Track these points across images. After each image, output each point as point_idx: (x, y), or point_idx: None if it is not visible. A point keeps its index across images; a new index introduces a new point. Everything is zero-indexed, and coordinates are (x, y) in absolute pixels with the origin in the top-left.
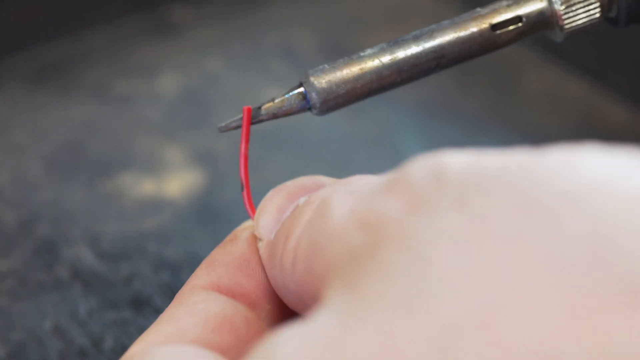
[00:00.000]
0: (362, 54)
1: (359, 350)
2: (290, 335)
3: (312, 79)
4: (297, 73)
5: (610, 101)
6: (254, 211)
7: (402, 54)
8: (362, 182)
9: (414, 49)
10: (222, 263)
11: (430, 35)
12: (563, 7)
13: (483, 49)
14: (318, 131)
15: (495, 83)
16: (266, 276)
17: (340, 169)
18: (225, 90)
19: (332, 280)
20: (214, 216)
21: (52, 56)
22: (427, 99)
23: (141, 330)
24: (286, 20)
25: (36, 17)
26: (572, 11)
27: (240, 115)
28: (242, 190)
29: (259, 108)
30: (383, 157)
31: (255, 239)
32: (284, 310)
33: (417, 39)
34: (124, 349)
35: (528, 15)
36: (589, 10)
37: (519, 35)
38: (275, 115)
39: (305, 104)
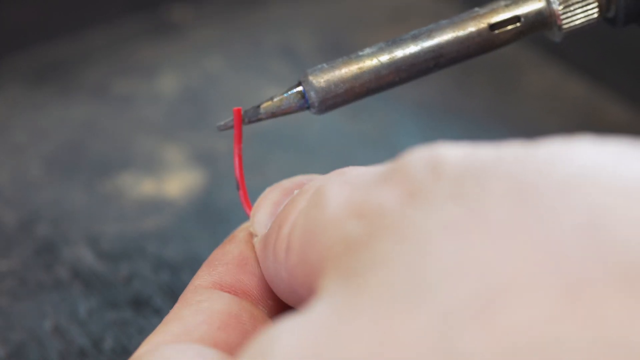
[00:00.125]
0: (360, 53)
1: (356, 342)
2: (287, 328)
3: (310, 78)
4: (296, 73)
5: (610, 101)
6: (250, 210)
7: (400, 53)
8: (357, 172)
9: (412, 49)
10: (222, 262)
11: (429, 34)
12: (561, 7)
13: (481, 49)
14: (318, 131)
15: (495, 83)
16: None
17: None
18: (225, 90)
19: (327, 270)
20: (214, 216)
21: (52, 56)
22: (427, 99)
23: (141, 330)
24: (286, 20)
25: (36, 17)
26: (570, 11)
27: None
28: (238, 189)
29: (258, 107)
30: (383, 157)
31: (252, 237)
32: (286, 307)
33: (415, 38)
34: (123, 349)
35: (526, 15)
36: (587, 10)
37: (517, 35)
38: (274, 114)
39: (304, 103)
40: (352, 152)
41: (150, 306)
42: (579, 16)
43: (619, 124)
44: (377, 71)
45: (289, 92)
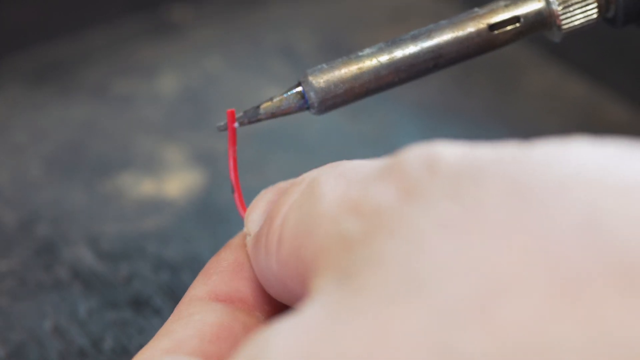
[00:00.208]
0: (360, 53)
1: (352, 342)
2: (281, 329)
3: (310, 78)
4: (296, 73)
5: (610, 101)
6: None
7: (400, 53)
8: (353, 166)
9: (411, 49)
10: (217, 270)
11: (428, 35)
12: (561, 7)
13: (481, 49)
14: (318, 131)
15: (495, 83)
16: None
17: None
18: (225, 90)
19: (321, 267)
20: (213, 216)
21: (52, 56)
22: (427, 99)
23: (141, 330)
24: (286, 20)
25: (36, 17)
26: (570, 11)
27: (240, 114)
28: (233, 193)
29: (258, 107)
30: (383, 157)
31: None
32: (283, 311)
33: (415, 38)
34: (123, 349)
35: (526, 16)
36: (586, 11)
37: (516, 36)
38: (273, 115)
39: (303, 104)
40: (352, 152)
41: (150, 306)
42: (578, 16)
43: (619, 124)
44: (376, 71)
45: (289, 93)
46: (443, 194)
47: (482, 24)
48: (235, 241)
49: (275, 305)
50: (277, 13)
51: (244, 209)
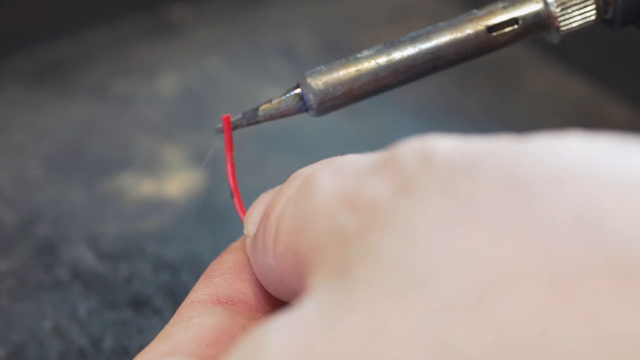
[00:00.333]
0: (358, 55)
1: (349, 339)
2: (278, 325)
3: (309, 80)
4: (296, 73)
5: (610, 101)
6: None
7: (398, 55)
8: (348, 160)
9: (410, 51)
10: (219, 273)
11: (427, 37)
12: (559, 9)
13: (479, 51)
14: (318, 131)
15: (495, 83)
16: None
17: None
18: (225, 90)
19: (318, 261)
20: (213, 216)
21: (52, 56)
22: (427, 99)
23: (141, 330)
24: (286, 20)
25: (36, 17)
26: (568, 13)
27: (239, 117)
28: (232, 197)
29: (256, 109)
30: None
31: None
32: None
33: (413, 40)
34: (123, 349)
35: (524, 17)
36: (584, 12)
37: (515, 37)
38: (272, 117)
39: (302, 105)
40: (351, 152)
41: (150, 306)
42: (576, 18)
43: (620, 124)
44: (375, 73)
45: (287, 95)
46: (438, 188)
47: (480, 25)
48: (237, 244)
49: (276, 307)
50: (277, 13)
51: (244, 212)
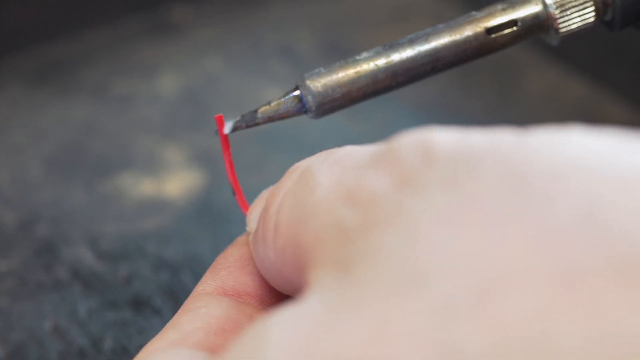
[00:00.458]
0: (357, 57)
1: (351, 336)
2: (279, 321)
3: (308, 82)
4: (296, 73)
5: (610, 101)
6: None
7: (397, 57)
8: (347, 153)
9: (409, 53)
10: (224, 266)
11: (426, 39)
12: (558, 10)
13: (478, 53)
14: (318, 132)
15: (495, 83)
16: None
17: None
18: (225, 90)
19: (318, 257)
20: (213, 216)
21: (52, 56)
22: (427, 99)
23: (141, 330)
24: (286, 21)
25: (36, 17)
26: (567, 15)
27: (237, 119)
28: (234, 195)
29: (255, 111)
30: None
31: None
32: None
33: (412, 42)
34: (123, 349)
35: (523, 19)
36: (583, 14)
37: (514, 39)
38: (271, 119)
39: (301, 107)
40: None
41: (150, 306)
42: (575, 20)
43: (620, 124)
44: (374, 75)
45: (286, 97)
46: (439, 183)
47: (479, 27)
48: (242, 238)
49: (281, 299)
50: (277, 13)
51: (246, 208)
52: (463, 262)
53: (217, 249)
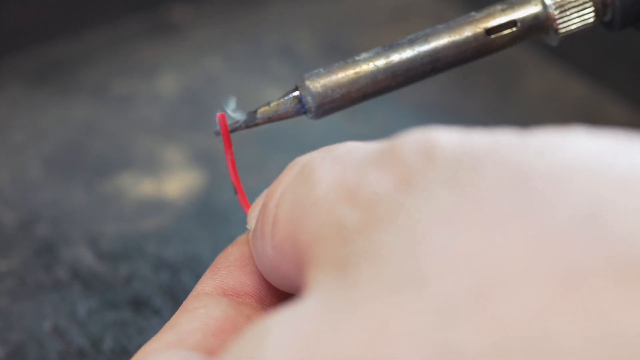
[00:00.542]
0: (357, 58)
1: (350, 338)
2: (278, 322)
3: (307, 82)
4: (296, 73)
5: (610, 101)
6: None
7: (397, 58)
8: (348, 150)
9: (408, 53)
10: (224, 265)
11: (425, 39)
12: (557, 11)
13: (478, 53)
14: (318, 132)
15: (495, 83)
16: None
17: None
18: (225, 90)
19: (318, 256)
20: (213, 216)
21: (52, 56)
22: (427, 99)
23: (140, 330)
24: (286, 21)
25: (36, 17)
26: (567, 15)
27: (237, 119)
28: (236, 194)
29: (255, 112)
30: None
31: None
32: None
33: (412, 43)
34: (123, 349)
35: (523, 20)
36: (583, 15)
37: (513, 40)
38: (270, 119)
39: (300, 108)
40: None
41: (149, 306)
42: (575, 20)
43: (619, 124)
44: (373, 76)
45: (286, 97)
46: (440, 183)
47: (479, 28)
48: (243, 237)
49: (281, 299)
50: (277, 13)
51: (248, 206)
52: (463, 262)
53: (217, 249)
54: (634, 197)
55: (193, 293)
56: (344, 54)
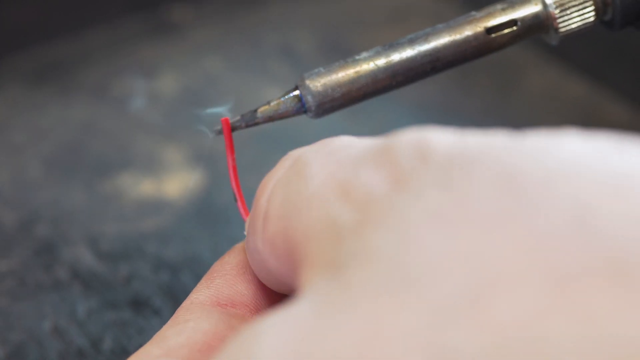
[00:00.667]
0: (357, 57)
1: (342, 341)
2: (270, 325)
3: (307, 82)
4: (296, 73)
5: (610, 101)
6: None
7: (397, 57)
8: (342, 145)
9: (409, 53)
10: (221, 273)
11: (425, 38)
12: (558, 10)
13: (478, 53)
14: (318, 132)
15: (495, 83)
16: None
17: None
18: (225, 90)
19: (311, 256)
20: (213, 216)
21: (52, 56)
22: (427, 99)
23: (140, 330)
24: (286, 21)
25: (36, 17)
26: (567, 14)
27: (237, 118)
28: (236, 201)
29: (255, 111)
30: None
31: None
32: None
33: (412, 42)
34: (122, 349)
35: (523, 19)
36: (583, 14)
37: (513, 39)
38: (270, 118)
39: (300, 107)
40: None
41: (149, 306)
42: (575, 19)
43: (620, 124)
44: (374, 75)
45: (286, 96)
46: (433, 184)
47: (479, 27)
48: (240, 245)
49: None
50: (277, 13)
51: (248, 214)
52: (456, 264)
53: (217, 249)
54: (624, 201)
55: (187, 302)
56: (344, 54)
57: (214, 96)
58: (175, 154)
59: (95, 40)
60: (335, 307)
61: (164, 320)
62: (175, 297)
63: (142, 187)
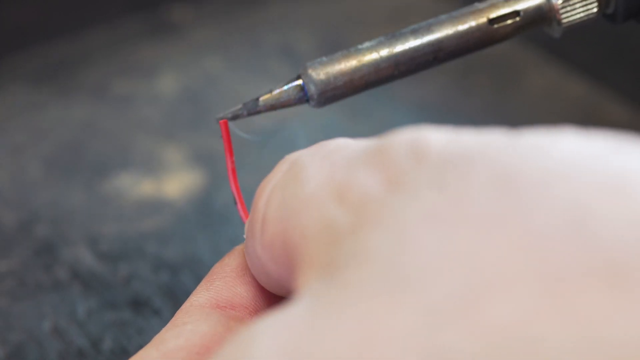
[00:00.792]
0: (360, 46)
1: (338, 343)
2: (266, 327)
3: (310, 71)
4: (296, 73)
5: (610, 101)
6: None
7: (400, 47)
8: (338, 147)
9: (411, 43)
10: (220, 276)
11: (428, 29)
12: (561, 1)
13: (481, 43)
14: (317, 132)
15: (495, 83)
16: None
17: None
18: (224, 90)
19: (308, 258)
20: (213, 217)
21: (52, 56)
22: (427, 99)
23: (140, 331)
24: (286, 21)
25: (36, 17)
26: (570, 6)
27: (239, 106)
28: (236, 204)
29: (257, 99)
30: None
31: None
32: None
33: (415, 32)
34: (122, 349)
35: (526, 10)
36: (586, 6)
37: (516, 30)
38: (273, 107)
39: (303, 96)
40: None
41: (149, 307)
42: (578, 11)
43: (620, 124)
44: (376, 64)
45: (288, 85)
46: (428, 185)
47: (482, 18)
48: (240, 247)
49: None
50: (277, 13)
51: (247, 217)
52: (452, 264)
53: (217, 250)
54: (620, 203)
55: (186, 304)
56: None
57: (214, 96)
58: (175, 154)
59: (95, 40)
60: (332, 308)
61: (163, 321)
62: (175, 297)
63: (142, 187)
